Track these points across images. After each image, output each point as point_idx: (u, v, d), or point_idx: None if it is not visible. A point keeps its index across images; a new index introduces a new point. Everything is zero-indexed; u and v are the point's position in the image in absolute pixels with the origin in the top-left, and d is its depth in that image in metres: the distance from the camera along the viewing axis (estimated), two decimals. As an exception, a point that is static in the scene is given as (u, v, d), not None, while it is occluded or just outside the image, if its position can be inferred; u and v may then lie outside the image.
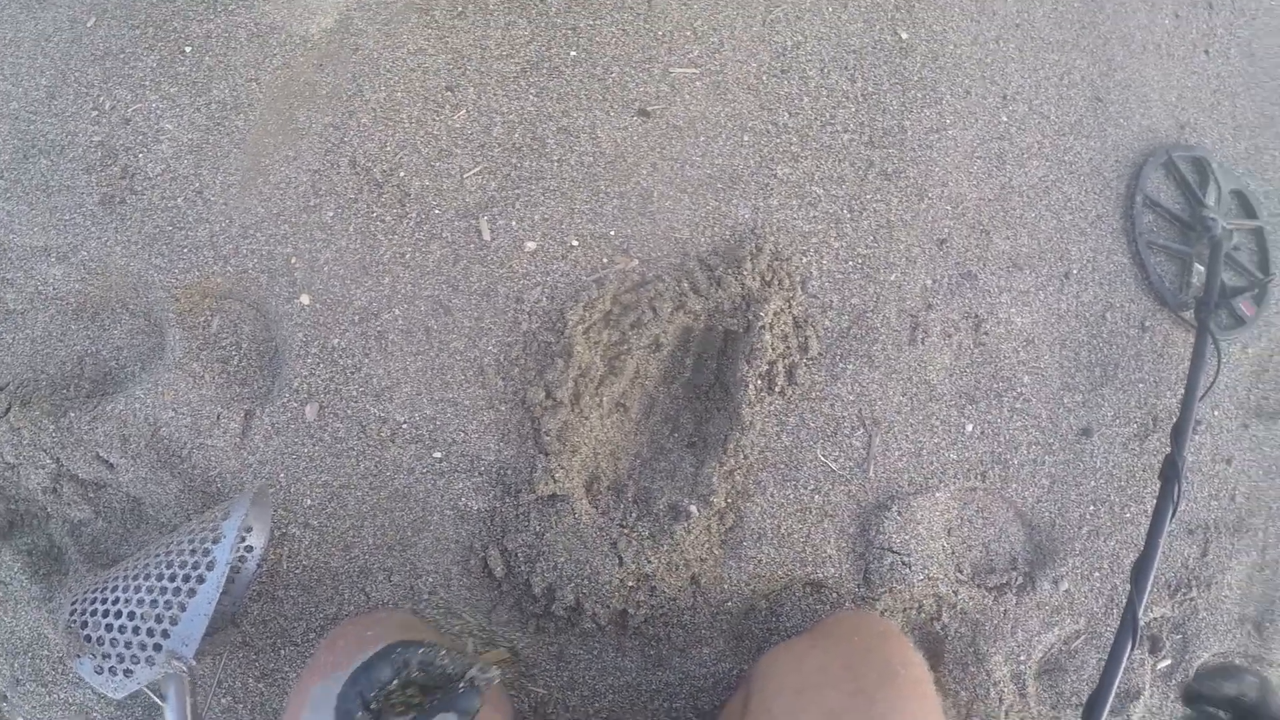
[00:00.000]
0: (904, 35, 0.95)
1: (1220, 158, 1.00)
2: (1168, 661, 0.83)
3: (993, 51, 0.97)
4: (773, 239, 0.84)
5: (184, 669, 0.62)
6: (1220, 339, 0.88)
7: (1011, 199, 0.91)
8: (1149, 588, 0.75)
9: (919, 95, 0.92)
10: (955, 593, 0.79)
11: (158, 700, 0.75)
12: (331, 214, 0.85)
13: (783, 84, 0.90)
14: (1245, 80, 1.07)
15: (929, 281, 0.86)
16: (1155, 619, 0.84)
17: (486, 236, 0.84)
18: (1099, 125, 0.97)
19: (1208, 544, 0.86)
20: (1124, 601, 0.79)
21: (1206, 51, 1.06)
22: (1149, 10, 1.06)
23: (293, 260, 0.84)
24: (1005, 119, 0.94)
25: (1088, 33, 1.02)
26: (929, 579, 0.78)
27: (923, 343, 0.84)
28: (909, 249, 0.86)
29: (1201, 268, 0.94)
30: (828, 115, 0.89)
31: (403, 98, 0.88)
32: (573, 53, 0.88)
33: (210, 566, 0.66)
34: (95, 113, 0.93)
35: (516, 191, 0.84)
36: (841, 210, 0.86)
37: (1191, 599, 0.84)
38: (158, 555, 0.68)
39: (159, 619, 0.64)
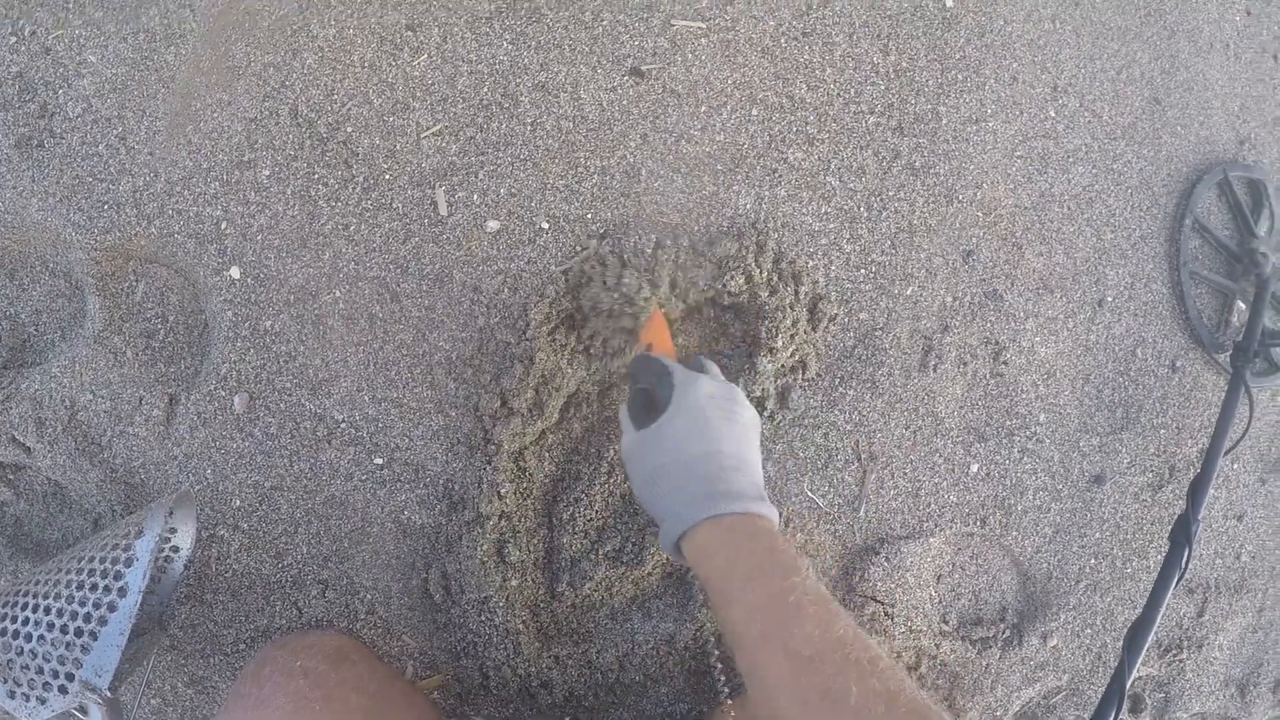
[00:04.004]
0: (949, 2, 0.64)
1: (1279, 181, 0.72)
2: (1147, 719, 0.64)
3: (1047, 33, 0.67)
4: (775, 236, 0.57)
5: (99, 701, 0.45)
6: (1253, 387, 0.63)
7: (1050, 209, 0.64)
8: (1142, 656, 0.54)
9: (959, 77, 0.63)
10: (937, 645, 0.57)
11: (79, 716, 0.56)
12: (268, 173, 0.58)
13: (803, 49, 0.60)
14: (1312, 94, 0.76)
15: (949, 299, 0.60)
16: (1140, 678, 0.64)
17: (443, 211, 0.57)
18: (1154, 131, 0.68)
19: (1206, 604, 0.64)
20: (1113, 661, 0.58)
21: (1275, 58, 0.76)
22: (1220, 3, 0.74)
23: (223, 225, 0.58)
24: (1053, 114, 0.65)
25: (1152, 22, 0.71)
26: (911, 630, 0.56)
27: (935, 370, 0.59)
28: (930, 259, 0.60)
29: (1244, 306, 0.67)
30: (852, 92, 0.60)
31: (355, 36, 0.59)
32: (558, -7, 0.59)
33: (122, 592, 0.47)
34: (14, 39, 0.63)
35: (481, 158, 0.57)
36: (859, 207, 0.59)
37: (1181, 660, 0.63)
38: (69, 572, 0.49)
39: (70, 647, 0.46)
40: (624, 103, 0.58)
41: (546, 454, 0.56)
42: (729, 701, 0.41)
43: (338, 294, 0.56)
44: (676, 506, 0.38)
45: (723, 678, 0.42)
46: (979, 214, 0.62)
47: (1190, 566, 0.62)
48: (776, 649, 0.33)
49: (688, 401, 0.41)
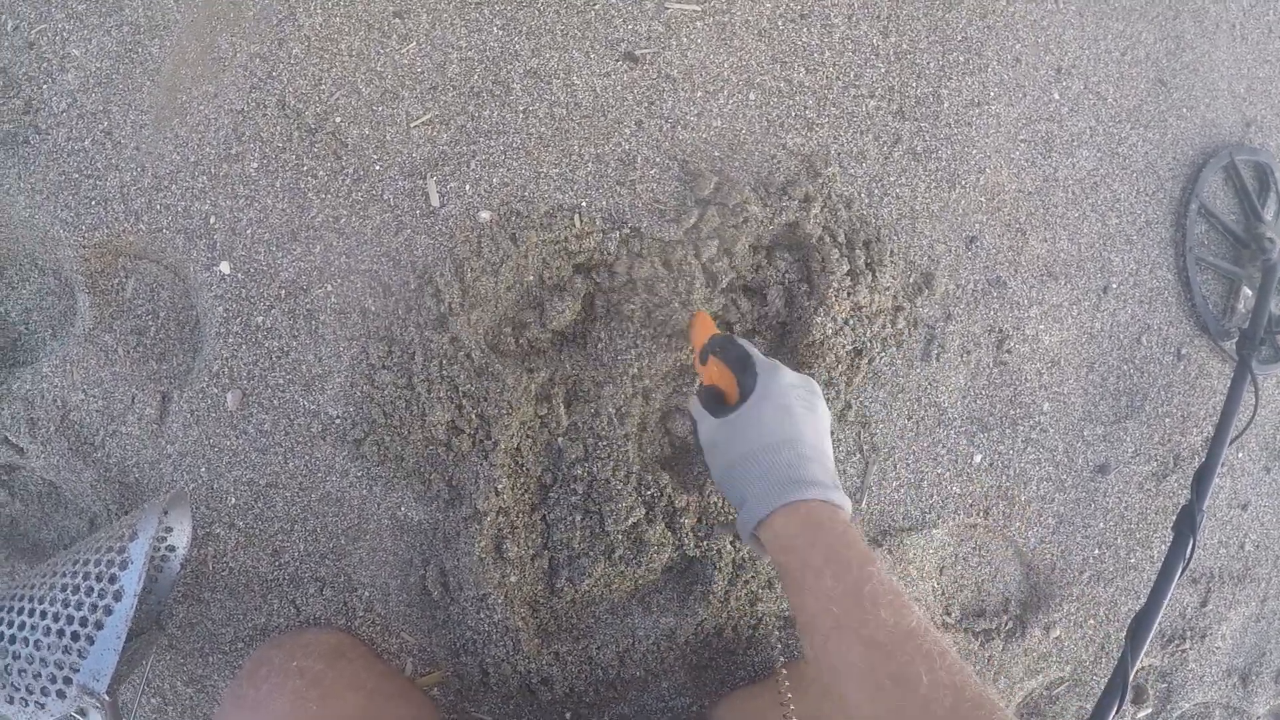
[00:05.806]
0: (951, -16, 0.61)
1: (1284, 163, 0.69)
2: (1149, 710, 0.62)
3: (1050, 13, 0.63)
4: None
5: (97, 705, 0.44)
6: (1258, 375, 0.61)
7: (1054, 194, 0.61)
8: (1145, 647, 0.52)
9: (961, 59, 0.60)
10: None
11: (78, 719, 0.54)
12: (256, 165, 0.55)
13: (801, 31, 0.57)
14: (1319, 74, 0.73)
15: (952, 287, 0.57)
16: (1143, 668, 0.62)
17: (435, 201, 0.54)
18: (1159, 113, 0.65)
19: (1209, 594, 0.62)
20: (1116, 652, 0.56)
21: (1282, 37, 0.72)
22: (1226, -18, 0.71)
23: (212, 220, 0.55)
24: (1057, 96, 0.62)
25: (1157, 1, 0.68)
26: (914, 623, 0.54)
27: (938, 359, 0.56)
28: (933, 246, 0.57)
29: (1250, 293, 0.65)
30: (852, 75, 0.58)
31: (342, 24, 0.56)
32: (549, -23, 0.55)
33: (118, 596, 0.45)
34: (-4, 32, 0.61)
35: (472, 147, 0.54)
36: (859, 194, 0.56)
37: (1184, 650, 0.61)
38: (64, 576, 0.48)
39: (66, 651, 0.45)
40: (618, 88, 0.55)
41: (543, 449, 0.54)
42: (783, 670, 0.41)
43: (329, 288, 0.54)
44: (757, 492, 0.38)
45: (779, 645, 0.42)
46: (982, 199, 0.59)
47: (1194, 556, 0.60)
48: (851, 636, 0.32)
49: (772, 389, 0.40)
